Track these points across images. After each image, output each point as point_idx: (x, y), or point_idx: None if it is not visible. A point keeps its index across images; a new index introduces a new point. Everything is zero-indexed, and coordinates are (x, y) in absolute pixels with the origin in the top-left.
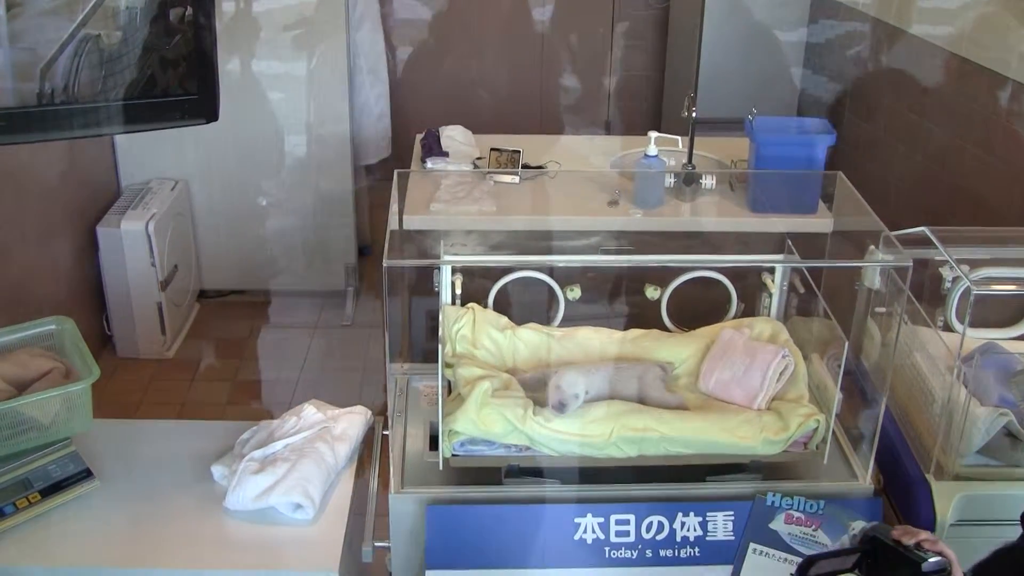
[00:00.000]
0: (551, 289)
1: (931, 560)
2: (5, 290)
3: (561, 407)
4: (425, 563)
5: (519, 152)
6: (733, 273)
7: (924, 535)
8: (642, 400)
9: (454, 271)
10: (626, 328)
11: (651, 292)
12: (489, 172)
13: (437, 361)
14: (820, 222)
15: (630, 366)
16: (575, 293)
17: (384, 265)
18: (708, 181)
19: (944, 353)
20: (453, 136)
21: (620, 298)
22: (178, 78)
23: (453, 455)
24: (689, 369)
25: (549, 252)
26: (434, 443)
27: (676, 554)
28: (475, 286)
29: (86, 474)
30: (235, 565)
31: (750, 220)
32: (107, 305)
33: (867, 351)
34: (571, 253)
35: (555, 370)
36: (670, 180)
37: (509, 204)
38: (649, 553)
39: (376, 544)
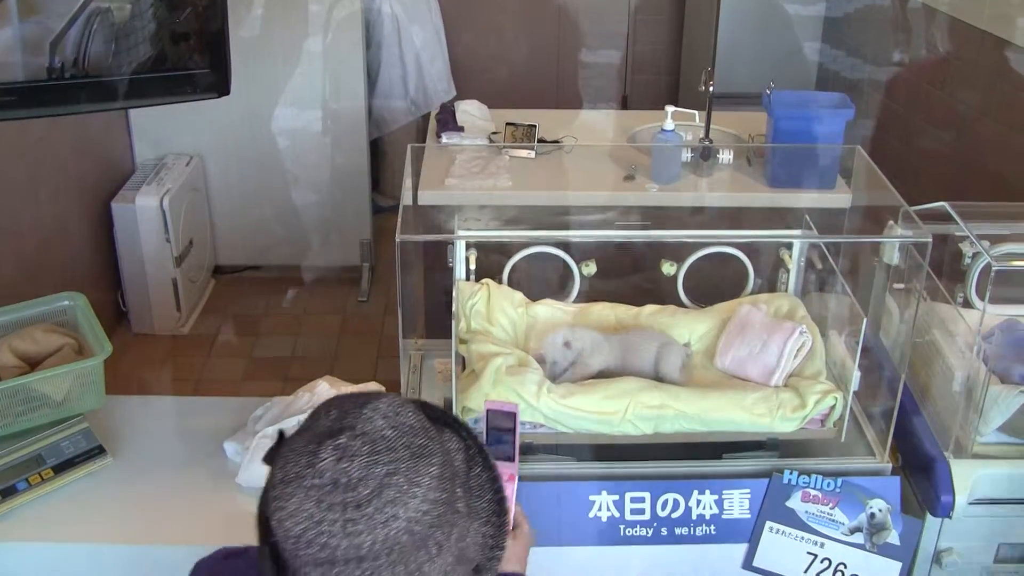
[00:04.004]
0: (566, 265)
1: None
2: (20, 266)
3: (553, 375)
4: None
5: (535, 127)
6: (750, 248)
7: None
8: (656, 365)
9: (468, 246)
10: (642, 304)
11: (667, 268)
12: (504, 147)
13: (451, 337)
14: (838, 197)
15: (653, 335)
16: (590, 269)
17: (397, 240)
18: (725, 156)
19: (964, 330)
20: (468, 110)
21: (636, 274)
22: (189, 52)
23: None
24: (706, 345)
25: (565, 227)
26: None
27: (692, 532)
28: (490, 262)
29: (99, 451)
30: (248, 542)
31: (767, 195)
32: (122, 281)
33: (885, 328)
34: (587, 228)
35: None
36: (687, 155)
37: (524, 179)
38: (664, 531)
39: None
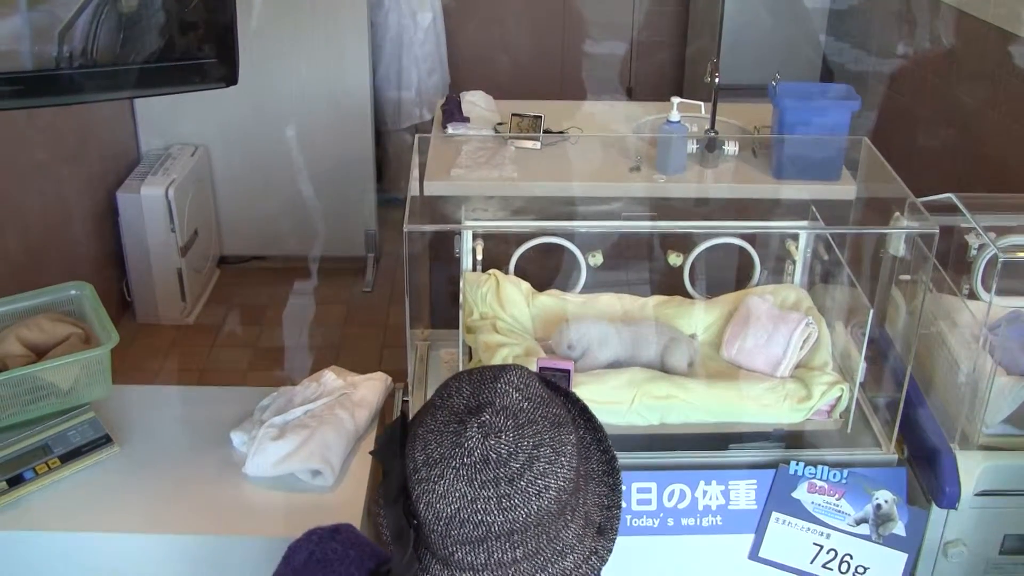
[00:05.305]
0: (573, 255)
1: None
2: (25, 256)
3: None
4: None
5: (540, 117)
6: (756, 240)
7: None
8: (663, 359)
9: (475, 237)
10: (648, 295)
11: (673, 259)
12: (510, 137)
13: (458, 327)
14: (844, 189)
15: (662, 328)
16: (597, 259)
17: (405, 230)
18: (731, 147)
19: (970, 321)
20: (474, 101)
21: (642, 264)
22: (197, 41)
23: None
24: (712, 336)
25: (571, 218)
26: None
27: (698, 523)
28: (496, 252)
29: (105, 440)
30: (254, 531)
31: (773, 186)
32: (127, 271)
33: (891, 319)
34: (593, 219)
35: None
36: (692, 146)
37: (530, 170)
38: (671, 522)
39: None
